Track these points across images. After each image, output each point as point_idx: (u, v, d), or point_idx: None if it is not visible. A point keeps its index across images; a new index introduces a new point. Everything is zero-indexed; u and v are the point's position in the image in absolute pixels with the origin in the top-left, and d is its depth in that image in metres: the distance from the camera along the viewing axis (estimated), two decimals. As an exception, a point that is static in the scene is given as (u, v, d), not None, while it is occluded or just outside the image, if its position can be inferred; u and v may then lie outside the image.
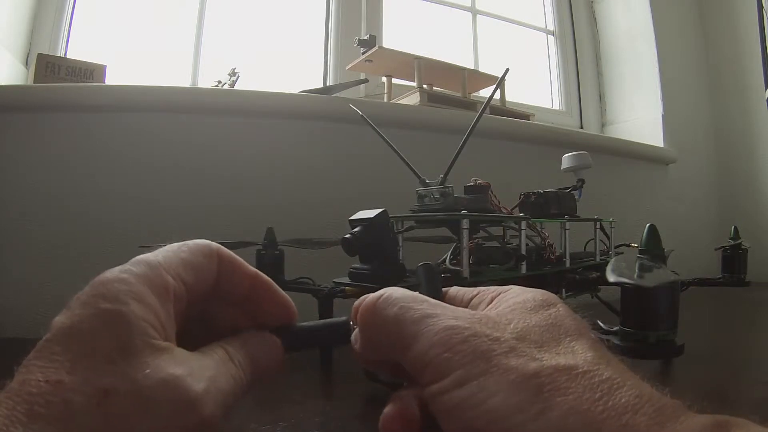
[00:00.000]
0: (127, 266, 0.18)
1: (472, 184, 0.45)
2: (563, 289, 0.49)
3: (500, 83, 0.46)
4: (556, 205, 0.51)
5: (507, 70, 0.45)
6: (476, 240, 0.47)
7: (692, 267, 0.93)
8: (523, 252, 0.42)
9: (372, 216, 0.33)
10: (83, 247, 0.64)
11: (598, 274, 0.53)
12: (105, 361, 0.15)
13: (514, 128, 0.93)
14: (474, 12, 1.29)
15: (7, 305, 0.62)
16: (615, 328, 0.24)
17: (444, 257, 0.42)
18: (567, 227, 0.50)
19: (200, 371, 0.17)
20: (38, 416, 0.14)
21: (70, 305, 0.17)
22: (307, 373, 0.43)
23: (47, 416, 0.14)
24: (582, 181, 0.57)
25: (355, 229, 0.33)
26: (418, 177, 0.42)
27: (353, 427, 0.32)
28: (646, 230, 0.23)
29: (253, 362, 0.19)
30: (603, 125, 1.39)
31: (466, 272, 0.36)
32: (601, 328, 0.25)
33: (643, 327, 0.22)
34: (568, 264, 0.49)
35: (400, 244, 0.43)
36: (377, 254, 0.33)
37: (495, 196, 0.45)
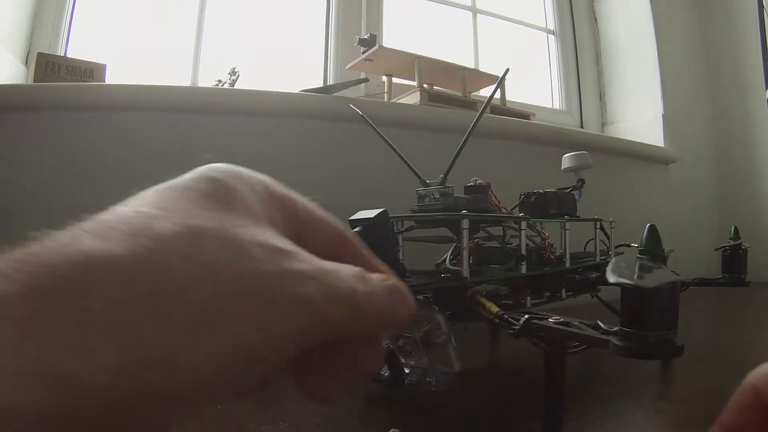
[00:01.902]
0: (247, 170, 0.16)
1: (472, 184, 0.45)
2: (563, 289, 0.48)
3: (500, 83, 0.46)
4: (556, 205, 0.51)
5: (507, 70, 0.45)
6: (476, 240, 0.47)
7: (692, 267, 0.93)
8: (523, 252, 0.42)
9: (372, 216, 0.33)
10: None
11: (598, 274, 0.53)
12: (197, 215, 0.13)
13: (515, 128, 0.93)
14: (474, 11, 1.29)
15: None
16: (615, 329, 0.23)
17: (444, 257, 0.42)
18: (567, 227, 0.50)
19: (310, 258, 0.14)
20: (105, 234, 0.12)
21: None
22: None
23: (124, 232, 0.12)
24: (582, 181, 0.57)
25: (355, 229, 0.33)
26: (418, 177, 0.42)
27: (353, 427, 0.32)
28: (646, 230, 0.23)
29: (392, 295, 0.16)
30: (603, 125, 1.39)
31: (466, 272, 0.36)
32: (601, 328, 0.24)
33: (643, 327, 0.22)
34: (568, 264, 0.49)
35: (400, 244, 0.43)
36: (377, 254, 0.33)
37: (495, 196, 0.45)
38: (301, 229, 0.16)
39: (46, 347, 0.10)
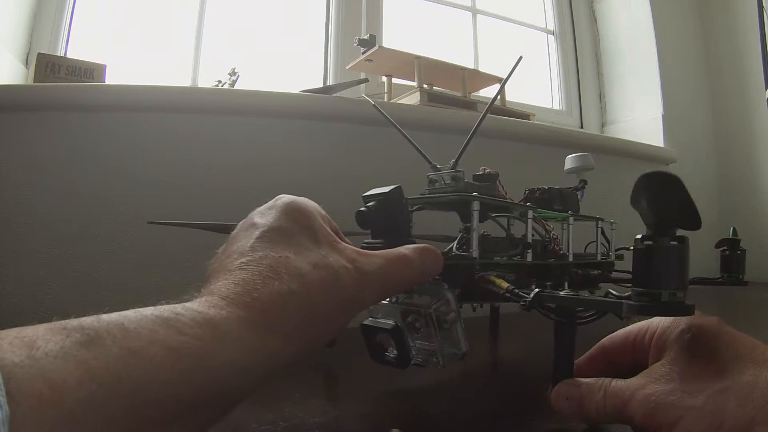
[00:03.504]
0: (303, 198, 0.28)
1: (480, 173, 0.45)
2: (566, 283, 0.48)
3: (513, 71, 0.46)
4: (559, 201, 0.51)
5: (521, 57, 0.45)
6: (482, 231, 0.47)
7: (692, 267, 0.93)
8: (529, 241, 0.42)
9: (386, 191, 0.33)
10: (83, 246, 0.64)
11: (600, 271, 0.53)
12: (306, 249, 0.24)
13: (515, 128, 0.93)
14: (474, 12, 1.29)
15: (6, 305, 0.62)
16: (627, 294, 0.24)
17: (450, 246, 0.42)
18: (571, 222, 0.50)
19: (368, 261, 0.25)
20: (280, 274, 0.22)
21: (269, 210, 0.26)
22: (307, 373, 0.43)
23: (286, 273, 0.22)
24: (584, 182, 0.57)
25: (369, 204, 0.33)
26: (429, 162, 0.42)
27: (353, 427, 0.32)
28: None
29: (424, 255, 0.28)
30: (603, 125, 1.39)
31: (475, 252, 0.36)
32: (612, 295, 0.25)
33: (656, 285, 0.22)
34: (571, 258, 0.49)
35: (413, 221, 0.42)
36: (389, 229, 0.33)
37: (503, 186, 0.45)
38: (333, 230, 0.28)
39: (264, 337, 0.20)
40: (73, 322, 0.16)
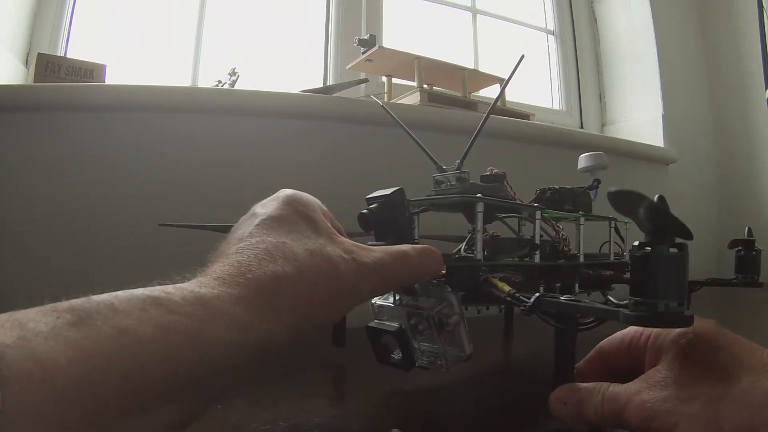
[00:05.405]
0: (305, 193, 0.28)
1: (488, 173, 0.45)
2: (576, 284, 0.48)
3: (515, 70, 0.46)
4: (570, 201, 0.50)
5: (522, 56, 0.45)
6: (491, 232, 0.47)
7: (693, 268, 0.93)
8: (537, 242, 0.42)
9: (389, 193, 0.33)
10: (83, 247, 0.64)
11: (612, 272, 0.52)
12: (305, 237, 0.24)
13: (515, 128, 0.93)
14: (474, 12, 1.29)
15: (6, 305, 0.62)
16: (625, 302, 0.24)
17: (458, 248, 0.41)
18: (582, 222, 0.50)
19: (367, 254, 0.26)
20: (275, 258, 0.22)
21: (270, 201, 0.27)
22: (307, 372, 0.43)
23: (282, 257, 0.22)
24: (598, 181, 0.57)
25: (371, 206, 0.33)
26: (435, 163, 0.42)
27: (353, 427, 0.32)
28: (655, 200, 0.24)
29: (423, 255, 0.28)
30: (603, 125, 1.38)
31: (479, 254, 0.36)
32: (612, 303, 0.25)
33: (654, 295, 0.22)
34: (582, 259, 0.49)
35: (416, 223, 0.42)
36: (392, 231, 0.33)
37: (510, 187, 0.45)
38: (336, 227, 0.28)
39: (256, 315, 0.20)
40: (64, 304, 0.17)
